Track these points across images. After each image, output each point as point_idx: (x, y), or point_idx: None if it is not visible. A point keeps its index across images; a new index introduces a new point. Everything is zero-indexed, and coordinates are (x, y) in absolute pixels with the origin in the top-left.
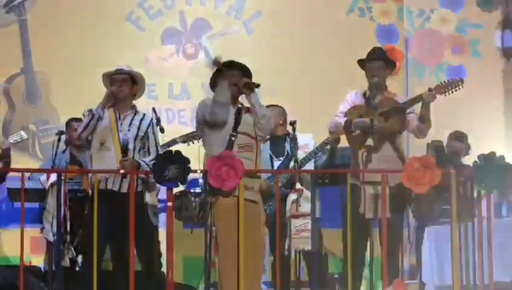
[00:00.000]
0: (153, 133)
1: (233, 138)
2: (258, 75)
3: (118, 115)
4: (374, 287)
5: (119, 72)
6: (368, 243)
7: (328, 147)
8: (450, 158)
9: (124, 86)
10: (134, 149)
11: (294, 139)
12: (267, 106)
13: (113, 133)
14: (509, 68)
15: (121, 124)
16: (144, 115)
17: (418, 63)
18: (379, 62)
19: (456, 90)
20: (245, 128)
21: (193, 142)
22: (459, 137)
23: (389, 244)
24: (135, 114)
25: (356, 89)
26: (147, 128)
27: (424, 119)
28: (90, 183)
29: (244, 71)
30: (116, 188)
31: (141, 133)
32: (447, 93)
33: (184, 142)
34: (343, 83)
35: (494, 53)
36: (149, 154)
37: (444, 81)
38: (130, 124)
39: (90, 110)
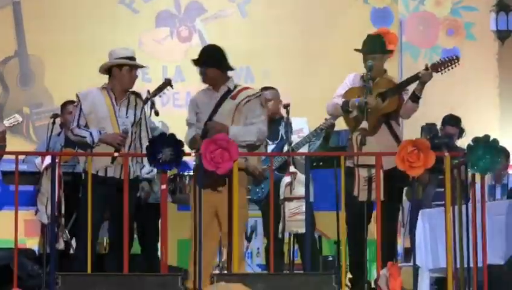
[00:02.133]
0: (145, 118)
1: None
2: (252, 58)
3: (114, 101)
4: (368, 270)
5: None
6: (364, 226)
7: (323, 132)
8: (444, 141)
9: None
10: (132, 134)
11: (288, 124)
12: (262, 88)
13: (112, 122)
14: (504, 51)
15: (119, 109)
16: (136, 98)
17: (413, 46)
18: (373, 55)
19: (452, 68)
20: (220, 118)
21: (165, 92)
22: (453, 120)
23: (384, 227)
24: (129, 98)
25: (353, 72)
26: (140, 113)
27: (417, 98)
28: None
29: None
30: (117, 175)
31: (136, 119)
32: (443, 71)
33: (155, 95)
34: (338, 66)
35: (488, 36)
36: (140, 140)
37: (440, 59)
38: (127, 109)
39: (89, 132)
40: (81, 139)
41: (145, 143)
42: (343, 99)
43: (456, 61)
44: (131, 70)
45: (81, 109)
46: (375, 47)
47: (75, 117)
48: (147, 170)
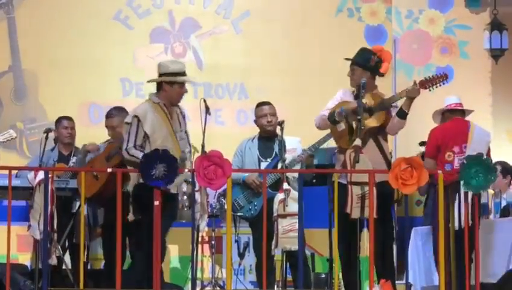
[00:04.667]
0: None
1: None
2: (246, 75)
3: (169, 116)
4: (362, 287)
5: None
6: (357, 243)
7: (317, 151)
8: None
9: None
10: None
11: (281, 142)
12: (258, 104)
13: (172, 138)
14: (497, 70)
15: (173, 124)
16: (179, 109)
17: (406, 64)
18: (354, 66)
19: (440, 85)
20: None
21: None
22: None
23: (378, 244)
24: (176, 110)
25: (341, 89)
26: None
27: (403, 114)
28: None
29: None
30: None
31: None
32: (431, 88)
33: None
34: (332, 84)
35: (482, 54)
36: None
37: (429, 76)
38: (179, 122)
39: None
40: (136, 160)
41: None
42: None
43: (444, 78)
44: (182, 85)
45: (138, 129)
46: (364, 61)
47: (131, 137)
48: None
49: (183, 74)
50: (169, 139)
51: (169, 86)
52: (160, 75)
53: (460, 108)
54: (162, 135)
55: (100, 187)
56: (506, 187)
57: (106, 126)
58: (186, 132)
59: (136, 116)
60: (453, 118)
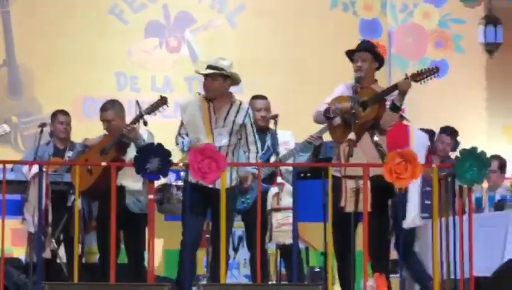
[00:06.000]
0: (251, 125)
1: None
2: (241, 69)
3: (212, 110)
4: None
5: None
6: (351, 237)
7: (311, 146)
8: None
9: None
10: (229, 144)
11: (274, 135)
12: (253, 97)
13: (206, 131)
14: (492, 64)
15: (216, 118)
16: (240, 104)
17: (401, 58)
18: (364, 54)
19: (431, 78)
20: None
21: (159, 112)
22: (449, 130)
23: (374, 238)
24: (231, 106)
25: (341, 83)
26: (243, 120)
27: (396, 108)
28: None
29: None
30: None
31: (235, 127)
32: (422, 81)
33: (149, 113)
34: (326, 78)
35: (476, 48)
36: (247, 146)
37: (421, 70)
38: (226, 117)
39: (182, 140)
40: (179, 146)
41: (253, 148)
42: (326, 106)
43: (435, 71)
44: (207, 78)
45: (182, 118)
46: (365, 45)
47: (179, 126)
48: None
49: (210, 67)
50: (203, 132)
51: (204, 80)
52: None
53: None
54: (197, 127)
55: (94, 181)
56: (500, 182)
57: (101, 120)
58: (243, 126)
59: (180, 106)
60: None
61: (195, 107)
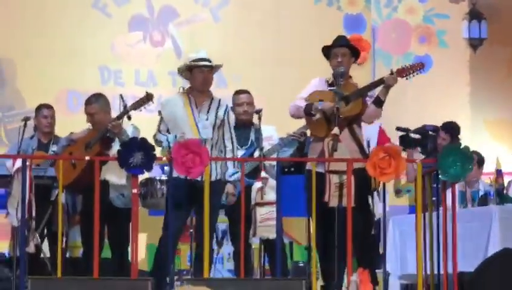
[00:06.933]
0: (229, 122)
1: None
2: (225, 63)
3: (194, 105)
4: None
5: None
6: (335, 232)
7: (295, 141)
8: (415, 138)
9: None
10: (212, 137)
11: (258, 130)
12: (236, 92)
13: (191, 126)
14: (476, 59)
15: (199, 112)
16: (220, 101)
17: (385, 53)
18: (344, 49)
19: (416, 74)
20: None
21: (144, 108)
22: (448, 127)
23: (357, 232)
24: (212, 100)
25: (315, 78)
26: (223, 115)
27: (380, 102)
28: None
29: None
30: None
31: (218, 121)
32: (408, 77)
33: (134, 109)
34: (310, 73)
35: (460, 44)
36: (224, 142)
37: (406, 65)
38: (208, 111)
39: (165, 137)
40: (159, 144)
41: (229, 145)
42: (307, 102)
43: (420, 67)
44: (202, 71)
45: (162, 115)
46: (346, 41)
47: (158, 123)
48: (230, 172)
49: (203, 60)
50: (188, 126)
51: (189, 73)
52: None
53: None
54: (180, 121)
55: (78, 175)
56: (478, 177)
57: (85, 113)
58: (222, 121)
59: (160, 103)
60: None
61: (175, 102)
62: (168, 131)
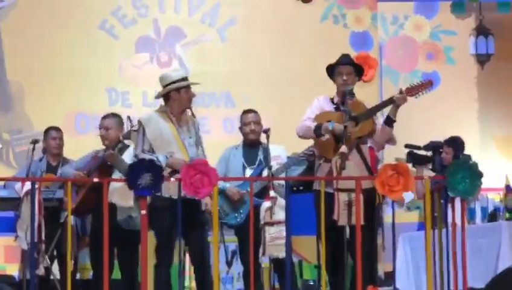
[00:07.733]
0: (200, 136)
1: None
2: (232, 83)
3: (176, 124)
4: None
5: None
6: (345, 250)
7: (304, 160)
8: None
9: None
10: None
11: (266, 149)
12: (244, 111)
13: (179, 145)
14: (483, 75)
15: (182, 131)
16: (194, 119)
17: (393, 70)
18: (349, 67)
19: (426, 92)
20: None
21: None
22: (451, 142)
23: (365, 251)
24: (187, 118)
25: (319, 97)
26: (199, 132)
27: (391, 122)
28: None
29: None
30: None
31: (198, 138)
32: (417, 95)
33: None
34: (317, 92)
35: (468, 60)
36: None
37: (414, 83)
38: (188, 129)
39: (155, 157)
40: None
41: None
42: (316, 123)
43: (429, 85)
44: (188, 90)
45: (144, 134)
46: (350, 59)
47: (139, 142)
48: None
49: (185, 79)
50: (175, 145)
51: (177, 93)
52: (164, 86)
53: None
54: (166, 141)
55: (80, 199)
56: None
57: (101, 127)
58: (198, 139)
59: (140, 121)
60: None
61: (157, 120)
62: (152, 150)
